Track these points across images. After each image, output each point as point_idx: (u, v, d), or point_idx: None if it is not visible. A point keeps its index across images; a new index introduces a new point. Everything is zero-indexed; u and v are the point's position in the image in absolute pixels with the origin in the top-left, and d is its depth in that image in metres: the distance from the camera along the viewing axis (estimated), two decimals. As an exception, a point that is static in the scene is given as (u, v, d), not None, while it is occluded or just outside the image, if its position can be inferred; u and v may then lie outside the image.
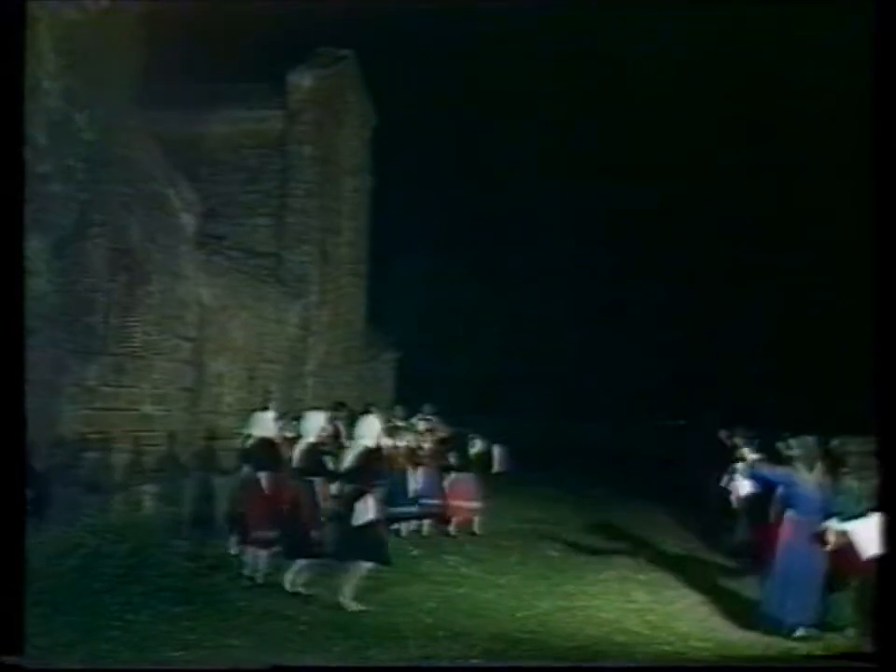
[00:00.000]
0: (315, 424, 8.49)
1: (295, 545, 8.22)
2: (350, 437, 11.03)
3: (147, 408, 11.38)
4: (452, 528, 12.13)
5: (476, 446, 12.73)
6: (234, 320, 13.85)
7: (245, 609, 7.84)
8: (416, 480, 11.57)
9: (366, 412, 9.55)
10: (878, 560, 6.25)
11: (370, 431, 8.10)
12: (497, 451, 13.19)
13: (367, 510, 7.66)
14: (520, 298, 27.66)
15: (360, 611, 7.75)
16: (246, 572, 8.78)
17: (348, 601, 7.79)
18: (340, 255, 18.38)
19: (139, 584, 8.19)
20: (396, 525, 11.09)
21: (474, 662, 6.75)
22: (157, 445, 11.45)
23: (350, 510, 7.69)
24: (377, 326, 20.90)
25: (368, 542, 7.75)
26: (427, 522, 11.99)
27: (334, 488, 8.32)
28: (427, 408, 13.26)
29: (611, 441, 22.71)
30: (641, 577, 9.91)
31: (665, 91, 22.61)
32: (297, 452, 8.34)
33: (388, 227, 21.18)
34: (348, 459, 8.02)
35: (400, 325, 22.36)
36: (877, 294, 5.52)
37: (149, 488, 11.14)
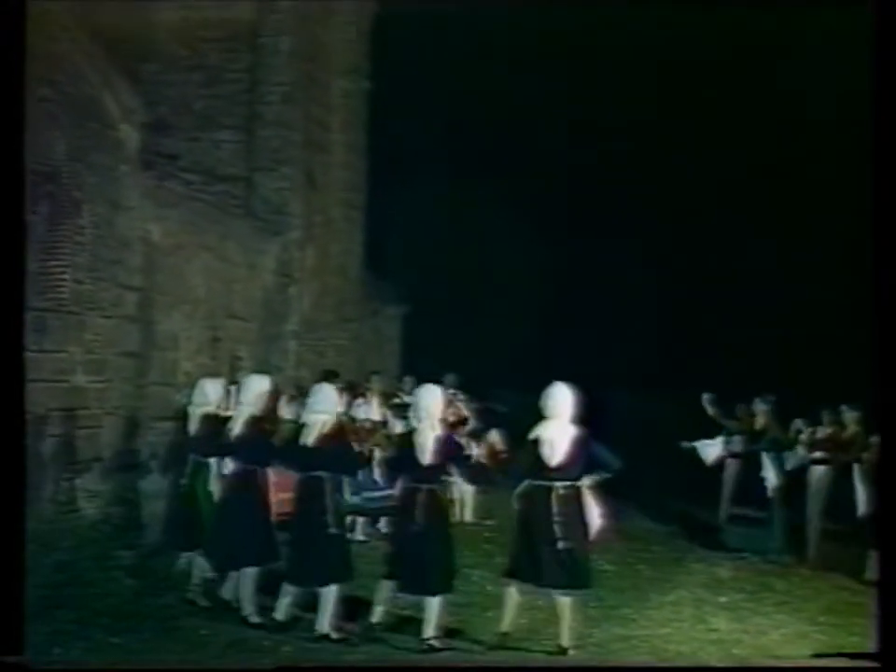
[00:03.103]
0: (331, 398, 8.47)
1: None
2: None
3: (79, 379, 11.25)
4: None
5: None
6: (192, 264, 13.73)
7: (208, 638, 7.91)
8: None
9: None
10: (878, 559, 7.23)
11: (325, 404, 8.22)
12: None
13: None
14: (561, 234, 27.48)
15: (344, 642, 7.86)
16: (228, 596, 8.77)
17: (567, 641, 7.90)
18: (329, 180, 18.23)
19: (70, 608, 8.23)
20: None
21: (475, 661, 7.50)
22: (92, 427, 11.37)
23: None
24: (379, 271, 20.76)
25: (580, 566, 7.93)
26: None
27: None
28: (448, 378, 13.21)
29: (682, 421, 22.61)
30: (722, 598, 9.92)
31: (665, 90, 25.87)
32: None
33: (392, 144, 20.97)
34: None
35: (408, 270, 22.25)
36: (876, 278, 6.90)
37: (83, 483, 11.05)
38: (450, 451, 8.06)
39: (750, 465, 12.28)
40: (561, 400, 8.01)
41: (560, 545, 7.74)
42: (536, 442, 7.96)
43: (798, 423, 12.19)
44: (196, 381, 10.16)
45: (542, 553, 7.78)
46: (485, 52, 25.82)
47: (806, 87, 22.81)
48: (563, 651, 7.81)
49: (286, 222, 16.54)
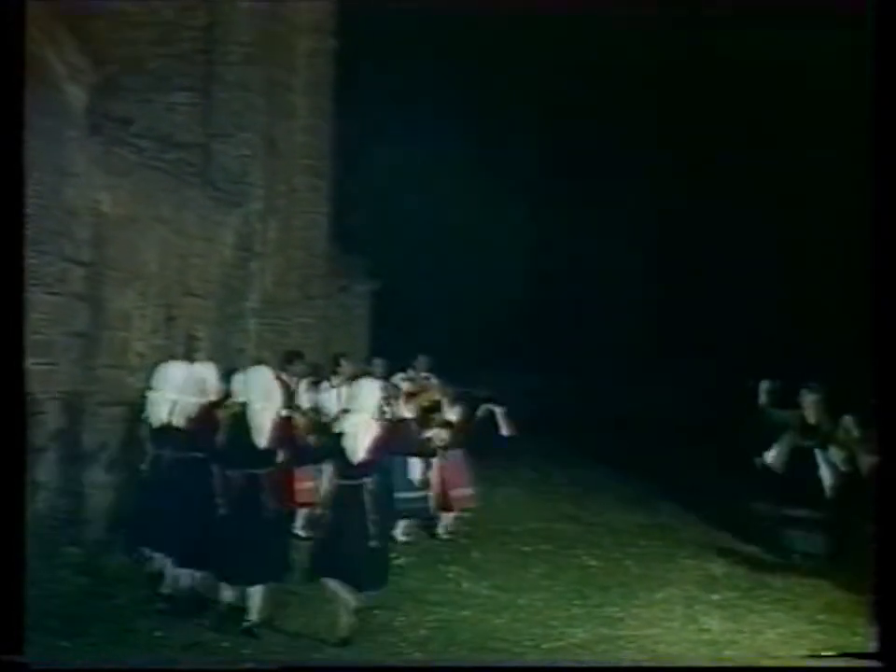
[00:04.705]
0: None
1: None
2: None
3: (24, 361, 11.19)
4: (442, 529, 12.22)
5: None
6: (145, 237, 13.56)
7: (163, 641, 7.97)
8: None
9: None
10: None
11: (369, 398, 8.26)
12: (498, 413, 12.97)
13: None
14: (543, 204, 27.50)
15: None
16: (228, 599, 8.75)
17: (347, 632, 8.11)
18: (293, 146, 18.11)
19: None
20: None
21: (475, 661, 7.78)
22: (36, 414, 11.24)
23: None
24: (347, 245, 20.72)
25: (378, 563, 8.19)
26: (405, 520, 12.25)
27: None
28: (421, 361, 13.22)
29: (672, 410, 22.73)
30: (715, 596, 9.98)
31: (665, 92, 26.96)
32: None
33: (361, 107, 20.88)
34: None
35: (379, 243, 22.22)
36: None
37: (27, 474, 10.97)
38: (286, 434, 8.36)
39: (804, 461, 11.71)
40: (366, 395, 8.16)
41: (372, 544, 7.96)
42: (339, 437, 8.08)
43: (847, 420, 11.60)
44: (152, 365, 10.19)
45: (357, 553, 7.94)
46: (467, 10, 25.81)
47: (807, 85, 23.26)
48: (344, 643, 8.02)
49: (246, 192, 16.41)
